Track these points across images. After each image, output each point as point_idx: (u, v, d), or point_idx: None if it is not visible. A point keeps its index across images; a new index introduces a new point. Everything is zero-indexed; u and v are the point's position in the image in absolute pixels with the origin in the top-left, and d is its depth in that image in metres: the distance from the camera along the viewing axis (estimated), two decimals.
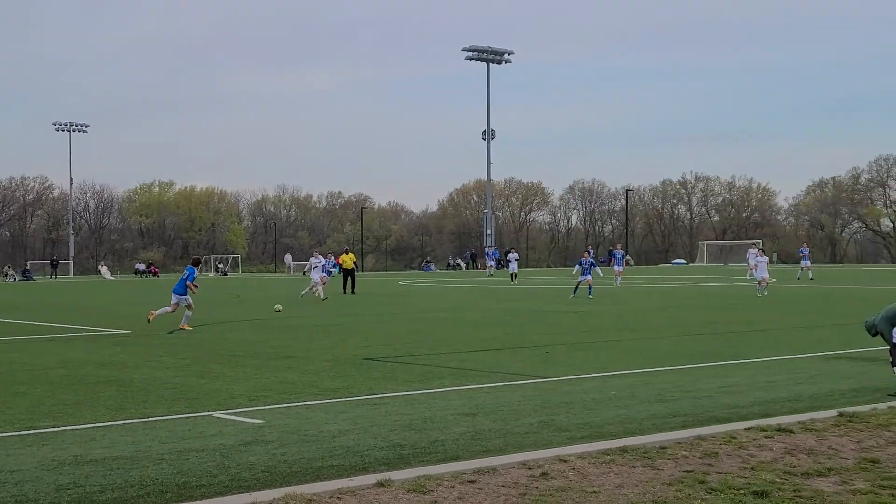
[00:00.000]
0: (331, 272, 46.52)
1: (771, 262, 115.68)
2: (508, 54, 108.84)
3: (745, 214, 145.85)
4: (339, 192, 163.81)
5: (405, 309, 33.92)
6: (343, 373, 16.57)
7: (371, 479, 8.56)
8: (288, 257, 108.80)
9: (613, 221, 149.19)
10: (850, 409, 11.92)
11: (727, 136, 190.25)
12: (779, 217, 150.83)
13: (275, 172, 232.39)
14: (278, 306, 32.37)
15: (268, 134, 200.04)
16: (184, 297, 26.45)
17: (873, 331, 14.46)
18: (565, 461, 9.26)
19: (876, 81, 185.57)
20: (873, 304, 30.81)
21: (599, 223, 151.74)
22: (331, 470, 9.13)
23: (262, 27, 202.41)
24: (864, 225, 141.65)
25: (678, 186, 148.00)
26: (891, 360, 13.98)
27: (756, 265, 39.64)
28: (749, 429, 10.81)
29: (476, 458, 9.52)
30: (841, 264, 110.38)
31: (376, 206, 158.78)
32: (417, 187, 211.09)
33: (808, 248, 60.70)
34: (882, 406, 12.29)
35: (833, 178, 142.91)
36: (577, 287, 39.48)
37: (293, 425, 11.51)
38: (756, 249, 49.31)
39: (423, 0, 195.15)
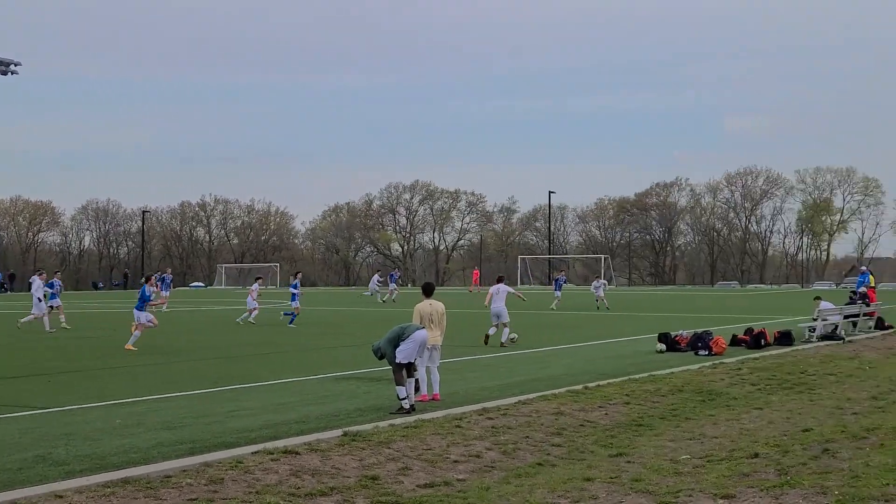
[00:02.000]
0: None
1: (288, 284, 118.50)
2: (15, 65, 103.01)
3: (263, 238, 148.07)
4: None
5: None
6: None
7: None
8: None
9: (129, 243, 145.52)
10: (354, 429, 12.27)
11: (247, 159, 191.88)
12: (296, 241, 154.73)
13: None
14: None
15: None
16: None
17: (379, 353, 15.05)
18: (61, 497, 8.71)
19: (389, 110, 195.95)
20: (382, 325, 32.29)
21: (115, 245, 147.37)
22: None
23: None
24: (375, 249, 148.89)
25: (197, 209, 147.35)
26: (394, 379, 14.62)
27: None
28: (256, 452, 10.79)
29: None
30: (354, 287, 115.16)
31: None
32: None
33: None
34: (384, 424, 12.77)
35: (348, 204, 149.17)
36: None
37: None
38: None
39: None
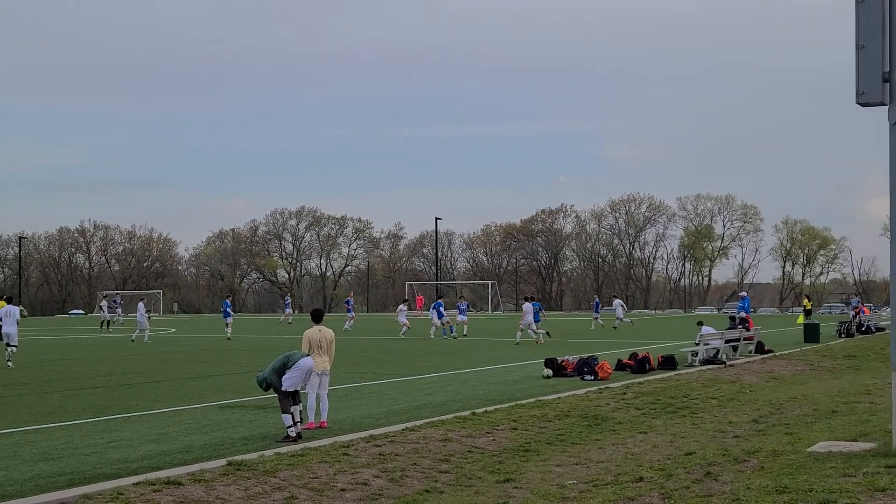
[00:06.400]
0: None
1: (171, 311, 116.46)
2: None
3: (145, 264, 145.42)
4: None
5: None
6: None
7: None
8: None
9: (6, 270, 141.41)
10: (239, 458, 12.04)
11: (127, 184, 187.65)
12: (180, 267, 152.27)
13: None
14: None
15: None
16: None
17: (265, 384, 14.83)
18: None
19: (272, 137, 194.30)
20: (268, 352, 31.92)
21: None
22: None
23: None
24: (261, 275, 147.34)
25: (76, 235, 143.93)
26: (280, 407, 14.44)
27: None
28: (137, 483, 10.51)
29: None
30: (240, 314, 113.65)
31: None
32: None
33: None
34: (269, 453, 12.57)
35: (233, 230, 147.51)
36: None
37: None
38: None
39: None
